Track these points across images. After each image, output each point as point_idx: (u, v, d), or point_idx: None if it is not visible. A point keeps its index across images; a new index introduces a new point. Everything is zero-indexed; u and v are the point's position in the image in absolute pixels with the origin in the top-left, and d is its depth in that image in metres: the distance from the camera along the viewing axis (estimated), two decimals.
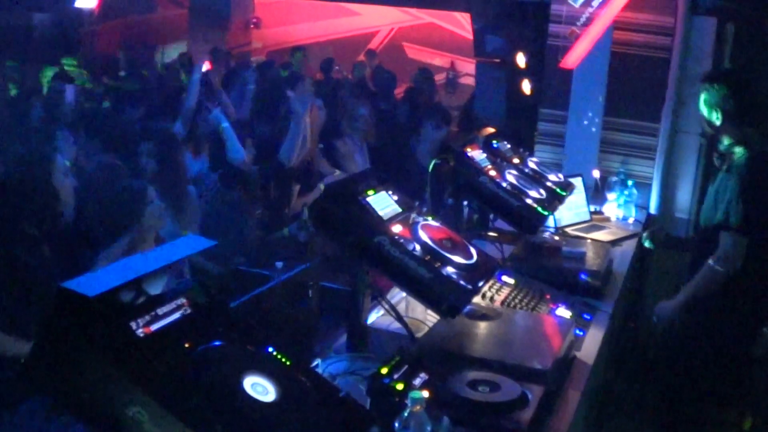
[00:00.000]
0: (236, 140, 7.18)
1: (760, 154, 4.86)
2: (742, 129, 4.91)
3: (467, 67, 15.66)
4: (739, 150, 4.90)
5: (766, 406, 5.43)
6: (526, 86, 7.81)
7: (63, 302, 2.07)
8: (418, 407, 2.53)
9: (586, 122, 7.30)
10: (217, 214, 6.73)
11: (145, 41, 15.14)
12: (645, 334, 6.76)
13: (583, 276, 4.80)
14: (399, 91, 12.83)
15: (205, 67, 9.23)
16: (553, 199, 5.27)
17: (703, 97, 5.01)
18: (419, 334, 3.62)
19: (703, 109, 5.03)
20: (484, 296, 4.12)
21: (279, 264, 5.66)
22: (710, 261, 4.84)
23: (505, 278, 4.45)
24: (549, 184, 5.45)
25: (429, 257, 3.36)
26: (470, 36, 9.51)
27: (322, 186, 7.43)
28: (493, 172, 4.96)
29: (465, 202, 5.30)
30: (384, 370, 2.95)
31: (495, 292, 4.22)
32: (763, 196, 4.82)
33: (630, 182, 7.01)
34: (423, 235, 3.50)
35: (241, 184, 6.92)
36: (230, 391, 2.19)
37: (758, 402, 5.43)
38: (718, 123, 4.96)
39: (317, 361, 3.49)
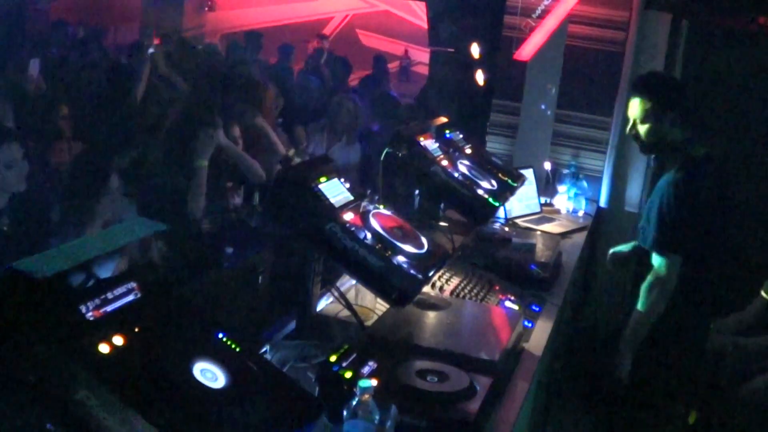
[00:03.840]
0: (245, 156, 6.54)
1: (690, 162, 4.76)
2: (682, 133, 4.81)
3: (421, 55, 15.64)
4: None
5: (711, 400, 5.48)
6: (480, 77, 7.80)
7: (11, 283, 2.05)
8: (366, 396, 2.53)
9: (538, 114, 7.33)
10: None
11: (97, 20, 14.90)
12: (592, 326, 6.82)
13: (532, 267, 4.82)
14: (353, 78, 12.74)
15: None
16: (504, 190, 5.28)
17: (640, 105, 4.75)
18: (369, 323, 3.63)
19: (641, 117, 4.77)
20: (433, 286, 4.13)
21: (229, 249, 5.65)
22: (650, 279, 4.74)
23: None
24: (500, 175, 5.46)
25: (380, 246, 3.36)
26: (425, 25, 9.48)
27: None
28: (445, 162, 4.97)
29: (416, 191, 5.31)
30: (333, 358, 2.95)
31: (445, 282, 4.23)
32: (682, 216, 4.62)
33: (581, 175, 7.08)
34: (374, 224, 3.50)
35: None
36: (179, 377, 2.17)
37: (704, 396, 5.48)
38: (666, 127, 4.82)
39: (266, 348, 3.49)
